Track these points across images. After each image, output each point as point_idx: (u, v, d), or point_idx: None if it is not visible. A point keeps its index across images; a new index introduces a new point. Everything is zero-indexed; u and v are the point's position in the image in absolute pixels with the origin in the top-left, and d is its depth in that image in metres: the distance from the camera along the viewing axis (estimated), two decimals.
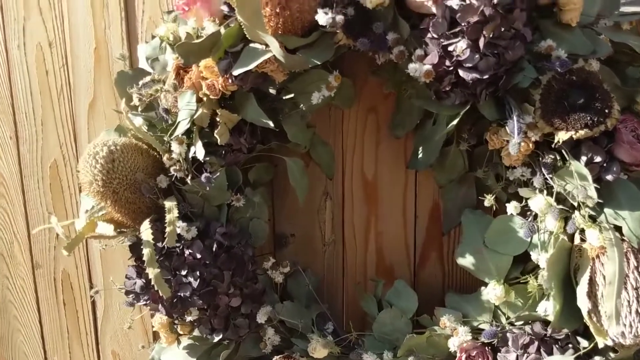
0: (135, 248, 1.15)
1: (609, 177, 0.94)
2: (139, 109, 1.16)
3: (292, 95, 1.09)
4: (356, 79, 1.17)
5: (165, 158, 1.09)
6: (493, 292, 1.07)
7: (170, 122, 1.10)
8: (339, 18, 0.93)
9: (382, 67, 1.07)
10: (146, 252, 1.02)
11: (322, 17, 0.93)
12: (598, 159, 0.94)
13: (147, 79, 1.16)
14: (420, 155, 1.12)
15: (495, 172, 1.09)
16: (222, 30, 1.02)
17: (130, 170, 1.08)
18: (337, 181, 1.26)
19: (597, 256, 0.96)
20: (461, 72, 0.92)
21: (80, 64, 1.33)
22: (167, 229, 1.01)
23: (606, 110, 0.91)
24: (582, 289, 0.97)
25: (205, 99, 1.06)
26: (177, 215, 1.03)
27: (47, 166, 1.39)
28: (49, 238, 1.43)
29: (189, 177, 1.07)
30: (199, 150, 1.03)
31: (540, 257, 1.02)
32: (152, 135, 1.10)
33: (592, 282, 0.96)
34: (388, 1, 0.94)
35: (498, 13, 0.88)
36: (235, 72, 0.98)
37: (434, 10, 0.93)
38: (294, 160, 1.18)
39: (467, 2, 0.88)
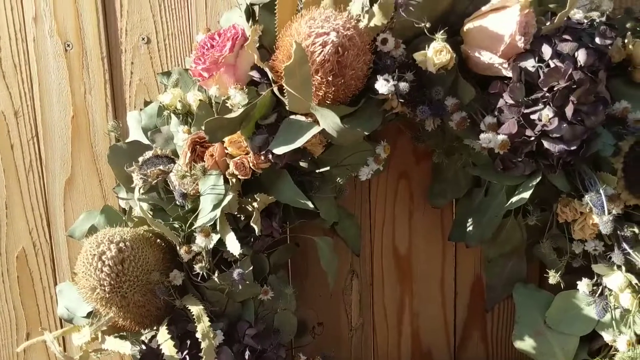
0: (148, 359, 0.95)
1: None
2: (141, 190, 0.98)
3: (327, 168, 0.94)
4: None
5: (182, 251, 0.91)
6: None
7: (187, 207, 0.93)
8: (403, 86, 0.80)
9: (427, 133, 0.95)
10: None
11: (383, 86, 0.80)
12: None
13: (149, 154, 0.99)
14: (470, 229, 1.00)
15: (555, 244, 0.98)
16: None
17: (143, 270, 0.90)
18: (364, 257, 1.12)
19: None
20: (546, 144, 0.81)
21: (54, 136, 1.13)
22: (203, 345, 0.83)
23: None
24: None
25: (232, 180, 0.90)
26: (209, 323, 0.85)
27: (14, 256, 1.17)
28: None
29: (215, 273, 0.90)
30: (232, 244, 0.86)
31: (619, 339, 0.92)
32: (165, 224, 0.92)
33: None
34: (452, 64, 0.82)
35: (587, 76, 0.78)
36: (279, 151, 0.82)
37: (504, 72, 0.82)
38: (324, 240, 1.03)
39: (551, 65, 0.78)
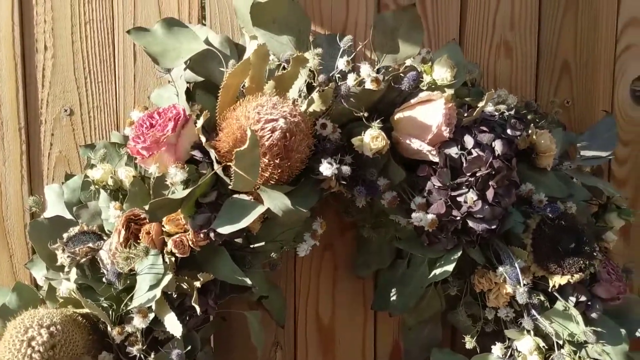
0: None
1: (594, 315, 0.98)
2: (65, 269, 0.95)
3: (262, 244, 0.97)
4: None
5: (115, 332, 0.89)
6: None
7: (119, 287, 0.91)
8: (345, 169, 0.86)
9: (356, 208, 1.01)
10: None
11: (327, 169, 0.85)
12: (583, 298, 0.97)
13: (74, 230, 0.96)
14: (394, 299, 1.06)
15: (469, 311, 1.07)
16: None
17: (73, 354, 0.86)
18: (288, 328, 1.14)
19: None
20: (471, 223, 0.90)
21: None
22: None
23: (594, 253, 0.94)
24: None
25: (170, 259, 0.89)
26: None
27: None
28: None
29: (152, 355, 0.88)
30: (172, 325, 0.85)
31: None
32: (97, 304, 0.89)
33: None
34: (386, 149, 0.90)
35: (504, 164, 0.88)
36: (224, 230, 0.84)
37: (431, 158, 0.91)
38: (253, 314, 1.04)
39: (474, 153, 0.88)
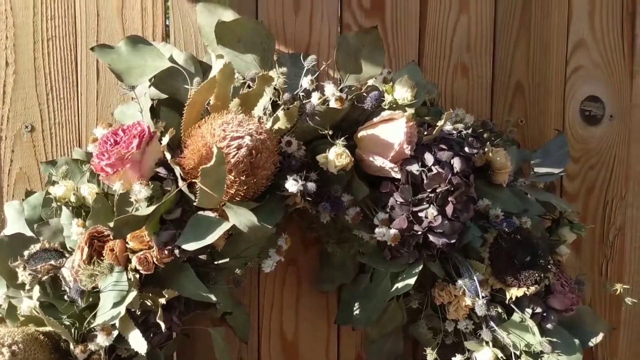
0: None
1: (549, 326, 1.01)
2: (27, 287, 0.93)
3: (226, 260, 0.98)
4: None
5: (78, 351, 0.88)
6: None
7: (81, 305, 0.90)
8: (311, 185, 0.87)
9: (320, 225, 1.02)
10: None
11: (293, 186, 0.87)
12: (539, 309, 1.01)
13: (35, 247, 0.95)
14: (357, 312, 1.08)
15: (430, 324, 1.09)
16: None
17: None
18: (252, 344, 1.15)
19: None
20: (431, 237, 0.93)
21: None
22: None
23: (548, 266, 0.98)
24: None
25: (134, 275, 0.89)
26: None
27: None
28: None
29: None
30: (137, 342, 0.85)
31: None
32: (59, 322, 0.88)
33: None
34: (350, 166, 0.92)
35: (462, 180, 0.91)
36: (190, 247, 0.84)
37: (393, 174, 0.94)
38: (217, 331, 1.05)
39: (434, 170, 0.91)
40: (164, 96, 1.00)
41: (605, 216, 1.25)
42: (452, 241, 0.93)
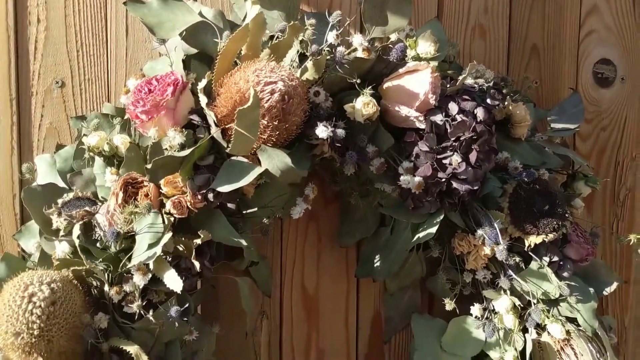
0: None
1: (565, 274, 1.05)
2: (62, 232, 0.96)
3: (255, 209, 1.01)
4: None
5: (113, 292, 0.91)
6: None
7: (116, 249, 0.93)
8: (340, 132, 0.90)
9: (343, 177, 1.06)
10: None
11: (323, 131, 0.90)
12: (556, 258, 1.04)
13: (69, 196, 0.98)
14: (378, 265, 1.11)
15: (449, 276, 1.13)
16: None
17: (72, 312, 0.88)
18: (274, 299, 1.18)
19: (562, 348, 1.04)
20: (455, 184, 0.96)
21: None
22: None
23: (566, 214, 1.02)
24: None
25: (169, 219, 0.92)
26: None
27: None
28: None
29: (150, 312, 0.91)
30: (173, 281, 0.88)
31: (506, 355, 1.07)
32: (95, 264, 0.91)
33: None
34: (376, 115, 0.95)
35: (485, 129, 0.94)
36: (224, 189, 0.87)
37: (418, 124, 0.97)
38: (244, 280, 1.07)
39: (458, 119, 0.94)
40: (194, 51, 1.03)
41: (616, 176, 1.28)
42: (475, 188, 0.96)
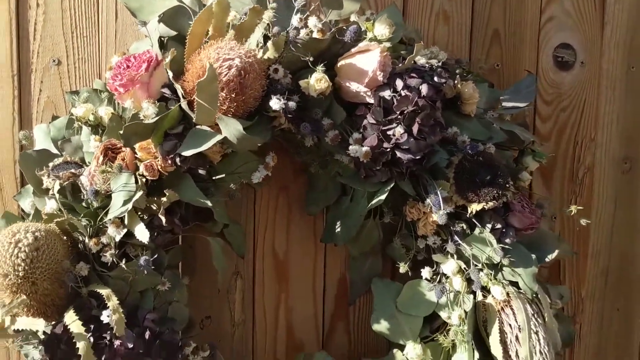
0: (50, 345, 1.04)
1: (508, 241, 1.13)
2: (51, 192, 1.09)
3: (222, 176, 1.12)
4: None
5: (92, 243, 1.03)
6: (413, 351, 1.17)
7: (96, 205, 1.05)
8: (292, 104, 1.01)
9: (305, 149, 1.16)
10: (82, 345, 0.95)
11: (276, 103, 1.00)
12: (499, 225, 1.13)
13: (58, 160, 1.11)
14: (338, 230, 1.21)
15: (404, 243, 1.22)
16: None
17: (54, 259, 1.00)
18: (248, 260, 1.29)
19: (502, 309, 1.13)
20: (398, 153, 1.05)
21: None
22: (114, 317, 0.95)
23: (507, 185, 1.10)
24: (494, 338, 1.12)
25: (141, 180, 1.04)
26: (118, 301, 0.97)
27: None
28: None
29: (123, 261, 1.03)
30: (141, 233, 1.00)
31: (452, 315, 1.16)
32: (78, 220, 1.04)
33: (501, 331, 1.12)
34: (329, 90, 1.05)
35: (428, 103, 1.04)
36: (187, 153, 0.99)
37: (367, 99, 1.06)
38: (216, 240, 1.19)
39: (402, 94, 1.03)
40: (173, 33, 1.14)
41: (575, 156, 1.36)
42: (417, 157, 1.05)
